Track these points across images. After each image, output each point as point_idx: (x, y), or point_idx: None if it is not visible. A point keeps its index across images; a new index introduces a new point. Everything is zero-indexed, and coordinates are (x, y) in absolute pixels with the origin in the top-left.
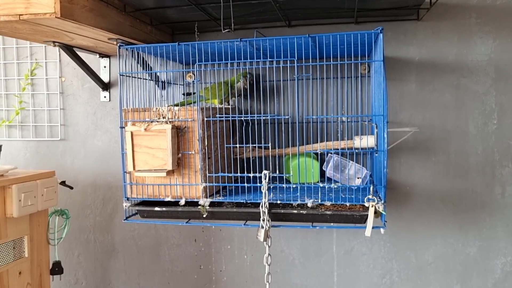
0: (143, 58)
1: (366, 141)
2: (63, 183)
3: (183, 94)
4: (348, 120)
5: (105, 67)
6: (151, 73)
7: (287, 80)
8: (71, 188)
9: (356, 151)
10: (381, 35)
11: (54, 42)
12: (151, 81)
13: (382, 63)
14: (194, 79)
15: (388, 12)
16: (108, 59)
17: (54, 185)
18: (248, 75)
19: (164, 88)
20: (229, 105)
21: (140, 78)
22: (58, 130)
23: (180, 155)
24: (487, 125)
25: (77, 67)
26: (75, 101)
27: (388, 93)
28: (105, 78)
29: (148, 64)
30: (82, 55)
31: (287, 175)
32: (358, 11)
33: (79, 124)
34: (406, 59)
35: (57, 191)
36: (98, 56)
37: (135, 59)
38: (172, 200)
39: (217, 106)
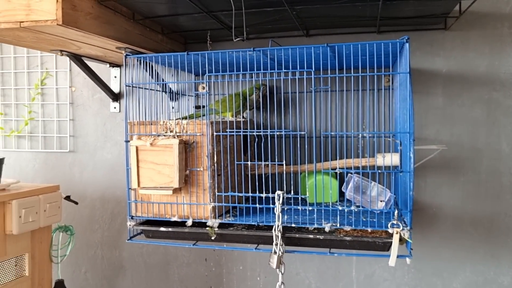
0: (152, 68)
1: (390, 159)
2: (67, 198)
3: (194, 107)
4: (370, 136)
5: (115, 77)
6: (159, 84)
7: (304, 92)
8: (76, 203)
9: (379, 171)
10: (407, 45)
11: (61, 51)
12: (162, 93)
13: (408, 75)
14: (206, 90)
15: (413, 21)
16: (118, 69)
17: (57, 200)
18: (261, 87)
19: (176, 100)
20: (243, 118)
21: (148, 89)
22: (67, 142)
23: (187, 172)
24: None
25: (87, 77)
26: (84, 112)
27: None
28: (115, 88)
29: (159, 75)
30: (93, 64)
31: (303, 196)
32: (380, 19)
33: (89, 136)
34: (432, 71)
35: (61, 207)
36: (108, 65)
37: (144, 69)
38: (179, 220)
39: (228, 120)
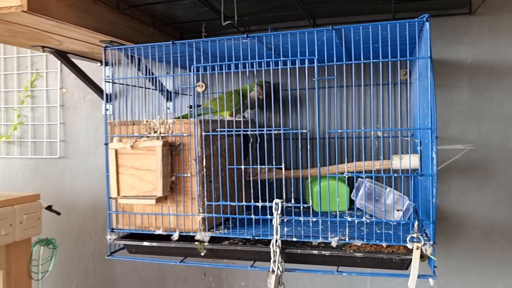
0: (140, 63)
1: (408, 161)
2: (49, 207)
3: (188, 107)
4: (385, 135)
5: (107, 76)
6: (150, 81)
7: (310, 88)
8: (58, 213)
9: (395, 175)
10: (427, 24)
11: (42, 47)
12: (156, 92)
13: (429, 60)
14: (204, 88)
15: (434, 4)
16: (111, 67)
17: (37, 210)
18: (265, 84)
19: (171, 100)
20: (243, 118)
21: (136, 86)
22: (57, 147)
23: (173, 178)
24: None
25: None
26: (76, 115)
27: (426, 103)
28: (107, 88)
29: (151, 72)
30: (83, 63)
31: (306, 205)
32: (396, 3)
33: (80, 140)
34: (456, 61)
35: (41, 218)
36: (99, 64)
37: (135, 66)
38: (164, 233)
39: (225, 119)
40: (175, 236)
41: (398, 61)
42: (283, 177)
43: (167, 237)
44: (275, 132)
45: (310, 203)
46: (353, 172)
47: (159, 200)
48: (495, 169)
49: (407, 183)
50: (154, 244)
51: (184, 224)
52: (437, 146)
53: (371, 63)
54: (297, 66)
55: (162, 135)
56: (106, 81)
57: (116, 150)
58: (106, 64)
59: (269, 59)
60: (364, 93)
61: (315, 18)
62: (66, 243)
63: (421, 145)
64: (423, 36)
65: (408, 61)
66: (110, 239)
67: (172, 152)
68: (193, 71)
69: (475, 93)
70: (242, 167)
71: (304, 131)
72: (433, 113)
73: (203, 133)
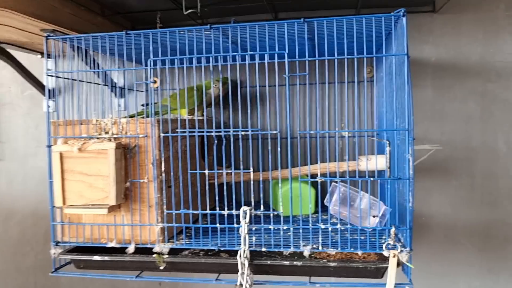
0: (87, 57)
1: (375, 163)
2: None
3: (142, 105)
4: (349, 135)
5: (49, 69)
6: (99, 76)
7: (276, 85)
8: None
9: (372, 179)
10: (403, 19)
11: None
12: (106, 88)
13: (406, 57)
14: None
15: (398, 2)
16: (53, 60)
17: None
18: (228, 81)
19: (123, 97)
20: (201, 116)
21: (83, 81)
22: None
23: (128, 184)
24: None
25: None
26: (13, 112)
27: (399, 102)
28: (49, 83)
29: (100, 66)
30: (22, 55)
31: (277, 212)
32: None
33: (18, 140)
34: (419, 60)
35: None
36: (40, 56)
37: (83, 61)
38: (118, 246)
39: (185, 118)
40: (131, 248)
41: (367, 59)
42: (251, 180)
43: (121, 250)
44: (243, 133)
45: (281, 210)
46: (326, 175)
47: (111, 209)
48: (458, 169)
49: (373, 185)
50: (106, 258)
51: (140, 235)
52: (413, 148)
53: (346, 60)
54: (266, 61)
55: (115, 136)
56: (48, 75)
57: (61, 154)
58: (48, 56)
59: (235, 53)
60: (323, 90)
61: (277, 11)
62: (2, 254)
63: (390, 146)
64: (396, 32)
65: (374, 58)
66: (54, 253)
67: (126, 155)
68: (150, 65)
69: (438, 92)
70: (206, 172)
71: (274, 132)
72: (410, 114)
73: (162, 134)
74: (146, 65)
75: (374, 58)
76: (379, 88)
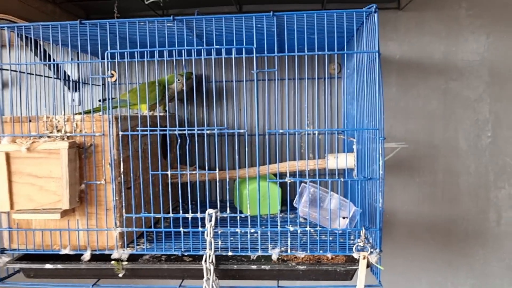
0: (39, 48)
1: (345, 160)
2: None
3: (99, 101)
4: (315, 133)
5: None
6: (50, 68)
7: (237, 81)
8: None
9: (342, 179)
10: (375, 15)
11: None
12: (59, 83)
13: (377, 54)
14: (115, 78)
15: None
16: None
17: None
18: (193, 76)
19: (77, 91)
20: (162, 112)
21: (32, 74)
22: None
23: (83, 186)
24: (480, 138)
25: None
26: None
27: (364, 99)
28: None
29: (52, 58)
30: None
31: (244, 215)
32: None
33: None
34: (384, 57)
35: None
36: None
37: (31, 49)
38: (72, 252)
39: (145, 114)
40: (86, 255)
41: (335, 55)
42: (217, 179)
43: (76, 257)
44: (208, 132)
45: (248, 213)
46: (294, 173)
47: (65, 213)
48: (421, 166)
49: (342, 185)
50: (59, 266)
51: (97, 240)
52: (384, 147)
53: (306, 56)
54: (233, 56)
55: (68, 134)
56: None
57: (7, 154)
58: None
59: (201, 47)
60: (289, 87)
61: (241, 4)
62: None
63: (356, 144)
64: (366, 28)
65: (341, 55)
66: (1, 262)
67: (81, 155)
68: (107, 58)
69: (402, 89)
70: (169, 172)
71: (242, 130)
72: (380, 113)
73: (120, 133)
74: (103, 58)
75: (342, 55)
76: (347, 85)
